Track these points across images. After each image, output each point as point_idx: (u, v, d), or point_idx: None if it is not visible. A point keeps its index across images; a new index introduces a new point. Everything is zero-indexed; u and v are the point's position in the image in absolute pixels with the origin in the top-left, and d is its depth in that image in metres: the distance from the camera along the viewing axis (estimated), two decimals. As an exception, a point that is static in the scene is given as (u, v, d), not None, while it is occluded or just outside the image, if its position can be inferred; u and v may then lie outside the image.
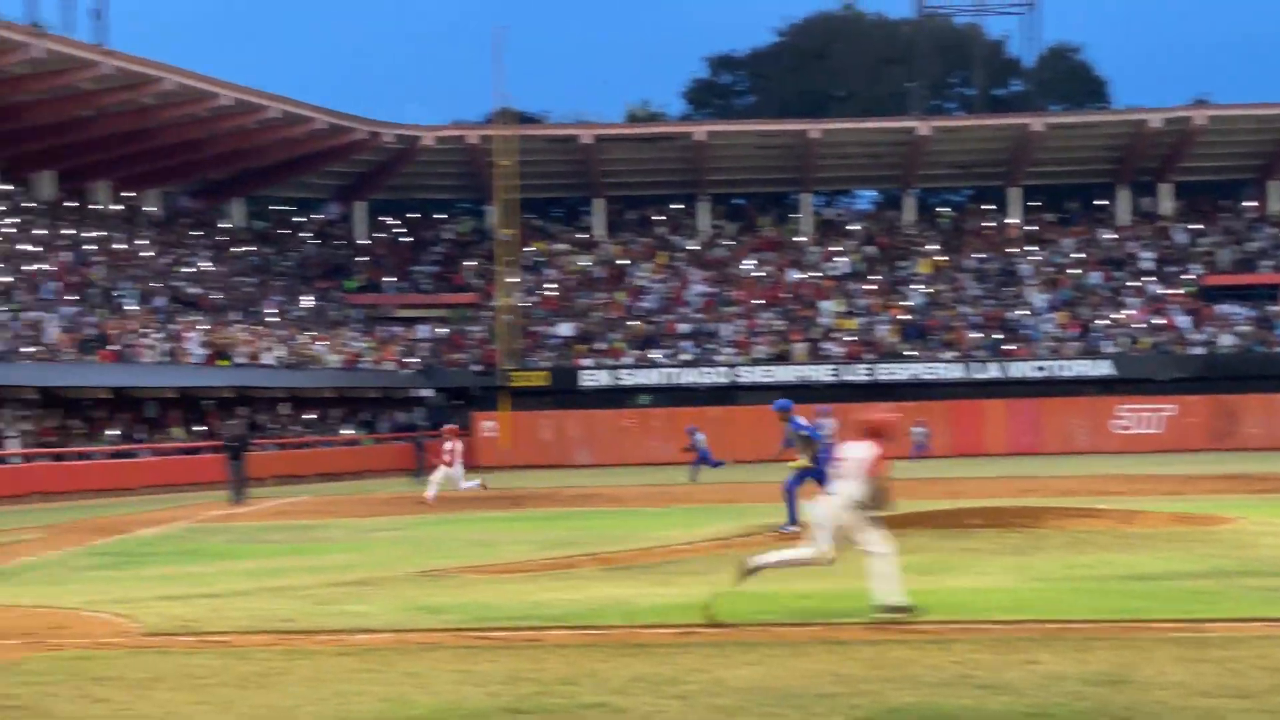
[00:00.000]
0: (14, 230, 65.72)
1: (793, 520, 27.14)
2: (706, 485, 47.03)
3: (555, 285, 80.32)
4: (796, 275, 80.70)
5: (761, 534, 27.52)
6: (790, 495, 27.85)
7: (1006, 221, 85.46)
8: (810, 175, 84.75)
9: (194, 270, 72.87)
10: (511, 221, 73.11)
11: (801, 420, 28.68)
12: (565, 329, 75.61)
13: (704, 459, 51.25)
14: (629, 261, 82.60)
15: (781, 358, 72.80)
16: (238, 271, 76.97)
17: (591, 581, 21.42)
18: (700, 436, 53.06)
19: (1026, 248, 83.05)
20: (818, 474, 26.51)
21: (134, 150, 72.71)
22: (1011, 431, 70.17)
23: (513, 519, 35.23)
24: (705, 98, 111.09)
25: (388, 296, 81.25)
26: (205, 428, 59.16)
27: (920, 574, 19.14)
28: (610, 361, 72.89)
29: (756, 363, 72.21)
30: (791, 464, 28.25)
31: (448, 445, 42.68)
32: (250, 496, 42.68)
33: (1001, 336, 74.34)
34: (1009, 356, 72.56)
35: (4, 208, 68.02)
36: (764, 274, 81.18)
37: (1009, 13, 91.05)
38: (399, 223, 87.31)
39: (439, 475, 42.45)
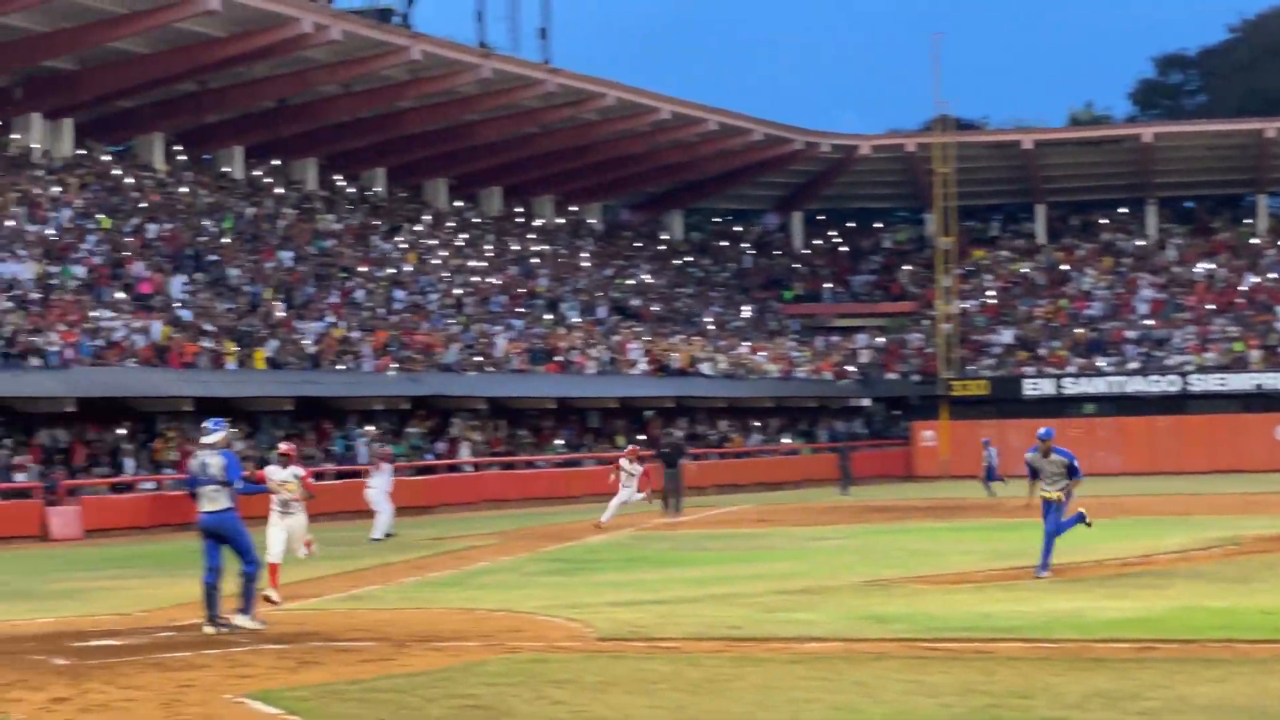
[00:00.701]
0: (464, 245, 68.05)
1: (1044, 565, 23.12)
2: (1158, 496, 45.55)
3: (995, 292, 79.03)
4: (1252, 279, 77.50)
5: (1221, 546, 26.40)
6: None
7: None
8: (1265, 175, 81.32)
9: (634, 282, 74.19)
10: (950, 228, 72.26)
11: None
12: (1005, 336, 74.28)
13: (990, 474, 49.80)
14: (1070, 267, 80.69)
15: (1235, 365, 69.97)
16: (677, 283, 78.06)
17: (1041, 593, 20.89)
18: (992, 450, 51.26)
19: None
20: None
21: (576, 165, 74.53)
22: None
23: (957, 529, 34.73)
24: (1152, 98, 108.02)
25: (825, 306, 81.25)
26: (644, 437, 60.03)
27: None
28: (1053, 370, 71.26)
29: (1208, 370, 69.52)
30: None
31: (626, 465, 39.09)
32: (685, 506, 42.78)
33: None
34: None
35: (454, 223, 70.54)
36: (1217, 278, 78.24)
37: None
38: (836, 232, 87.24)
39: (617, 500, 38.82)
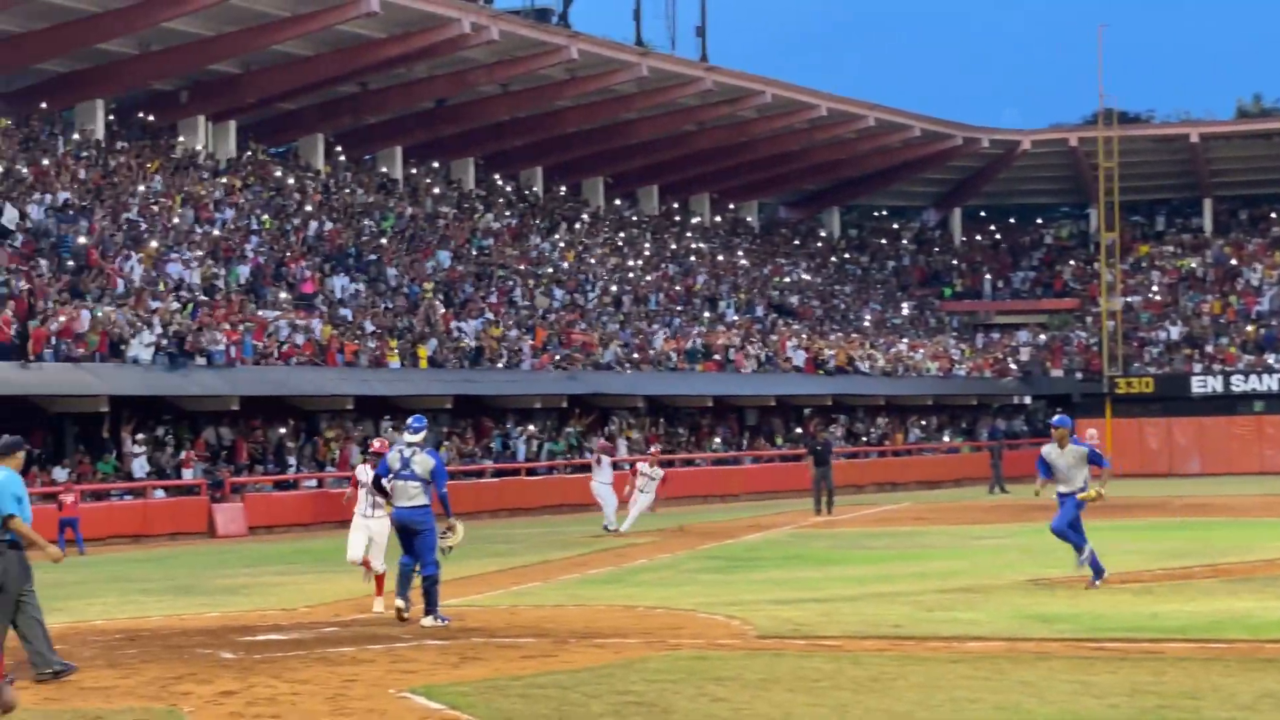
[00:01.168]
0: (621, 243, 68.25)
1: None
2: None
3: (1160, 288, 77.76)
4: None
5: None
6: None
7: None
8: None
9: (792, 280, 73.98)
10: (1114, 224, 71.22)
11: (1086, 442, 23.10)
12: (1172, 333, 73.05)
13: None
14: (1239, 262, 79.17)
15: None
16: (835, 280, 77.74)
17: (1210, 594, 20.48)
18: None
19: None
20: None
21: (733, 163, 74.48)
22: None
23: (1122, 529, 34.15)
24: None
25: (985, 303, 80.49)
26: (801, 435, 59.84)
27: None
28: (1221, 367, 69.96)
29: (1383, 370, 67.85)
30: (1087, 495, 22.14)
31: (645, 470, 37.47)
32: (835, 505, 42.21)
33: None
34: None
35: (611, 222, 70.78)
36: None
37: None
38: (996, 228, 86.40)
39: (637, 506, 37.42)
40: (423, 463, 18.70)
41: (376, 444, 22.33)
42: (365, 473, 20.87)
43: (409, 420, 19.50)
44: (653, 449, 45.08)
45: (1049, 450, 21.80)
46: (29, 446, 16.84)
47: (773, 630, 17.42)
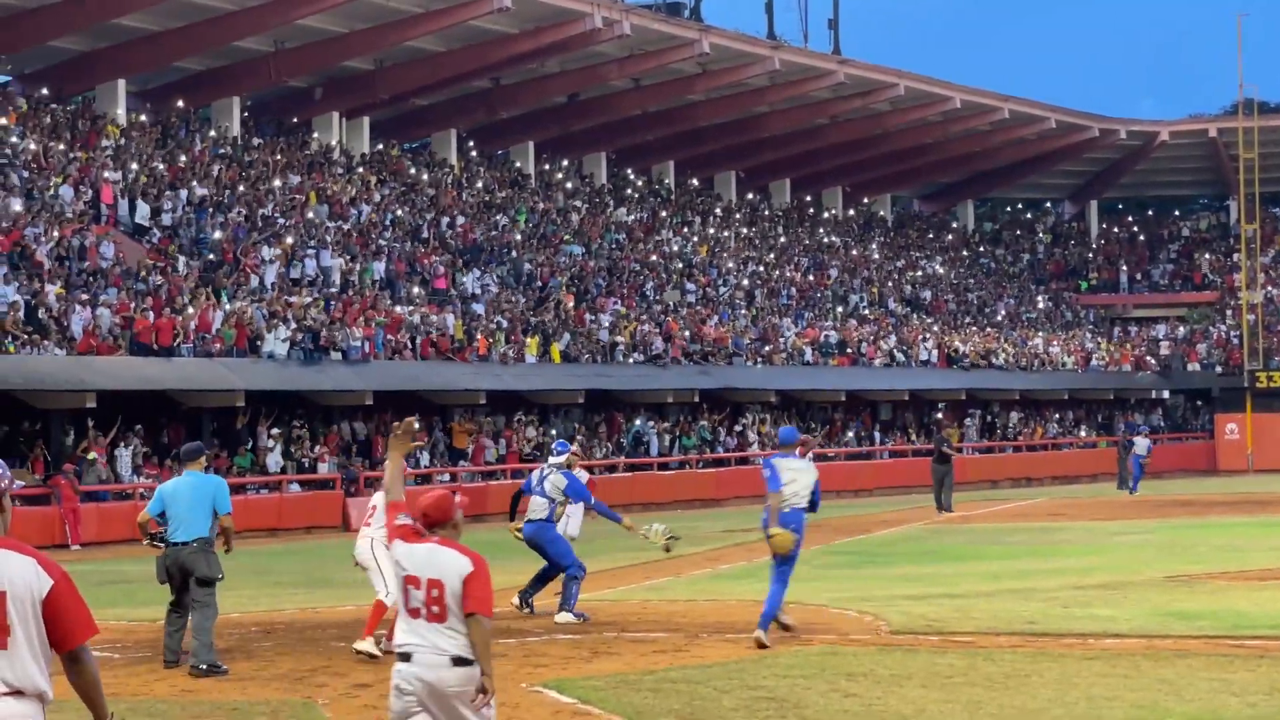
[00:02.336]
0: (753, 237, 68.13)
1: None
2: None
3: (1303, 281, 76.40)
4: None
5: None
6: None
7: None
8: None
9: (925, 273, 73.50)
10: (1254, 215, 70.06)
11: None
12: (1314, 327, 71.78)
13: None
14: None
15: None
16: (968, 274, 77.12)
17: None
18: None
19: None
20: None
21: (866, 156, 74.13)
22: None
23: (1264, 524, 33.61)
24: None
25: (1123, 296, 79.48)
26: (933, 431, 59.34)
27: None
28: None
29: None
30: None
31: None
32: (953, 502, 41.34)
33: None
34: None
35: (743, 216, 70.67)
36: None
37: None
38: (1134, 220, 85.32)
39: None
40: (555, 482, 19.74)
41: None
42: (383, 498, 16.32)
43: (554, 444, 21.21)
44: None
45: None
46: (208, 451, 19.59)
47: (905, 626, 17.31)
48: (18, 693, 6.49)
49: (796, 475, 17.12)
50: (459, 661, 8.46)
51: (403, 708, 8.55)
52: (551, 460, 20.38)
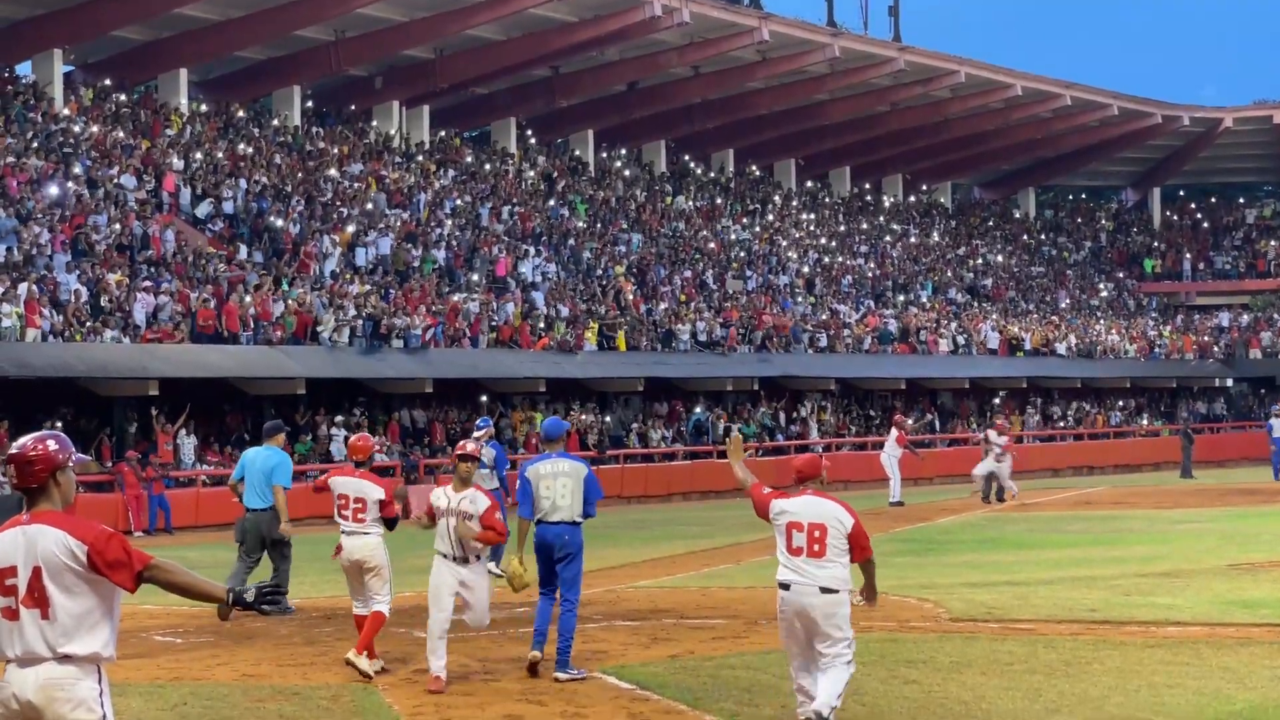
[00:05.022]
0: (813, 225, 67.98)
1: None
2: None
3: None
4: None
5: None
6: None
7: None
8: None
9: (986, 261, 73.19)
10: (1318, 202, 69.49)
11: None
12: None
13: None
14: None
15: None
16: (1030, 261, 76.76)
17: None
18: None
19: None
20: None
21: (926, 144, 73.82)
22: None
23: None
24: None
25: (1186, 284, 78.95)
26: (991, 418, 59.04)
27: None
28: None
29: None
30: None
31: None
32: (1006, 492, 40.71)
33: None
34: None
35: (803, 203, 70.53)
36: None
37: None
38: (1197, 207, 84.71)
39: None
40: (486, 456, 21.17)
41: (471, 445, 14.64)
42: (443, 496, 14.36)
43: (478, 421, 22.82)
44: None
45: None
46: (287, 429, 22.28)
47: (965, 613, 17.26)
48: (66, 658, 6.88)
49: (554, 482, 14.34)
50: (826, 590, 11.13)
51: (785, 625, 11.36)
52: (475, 435, 21.85)
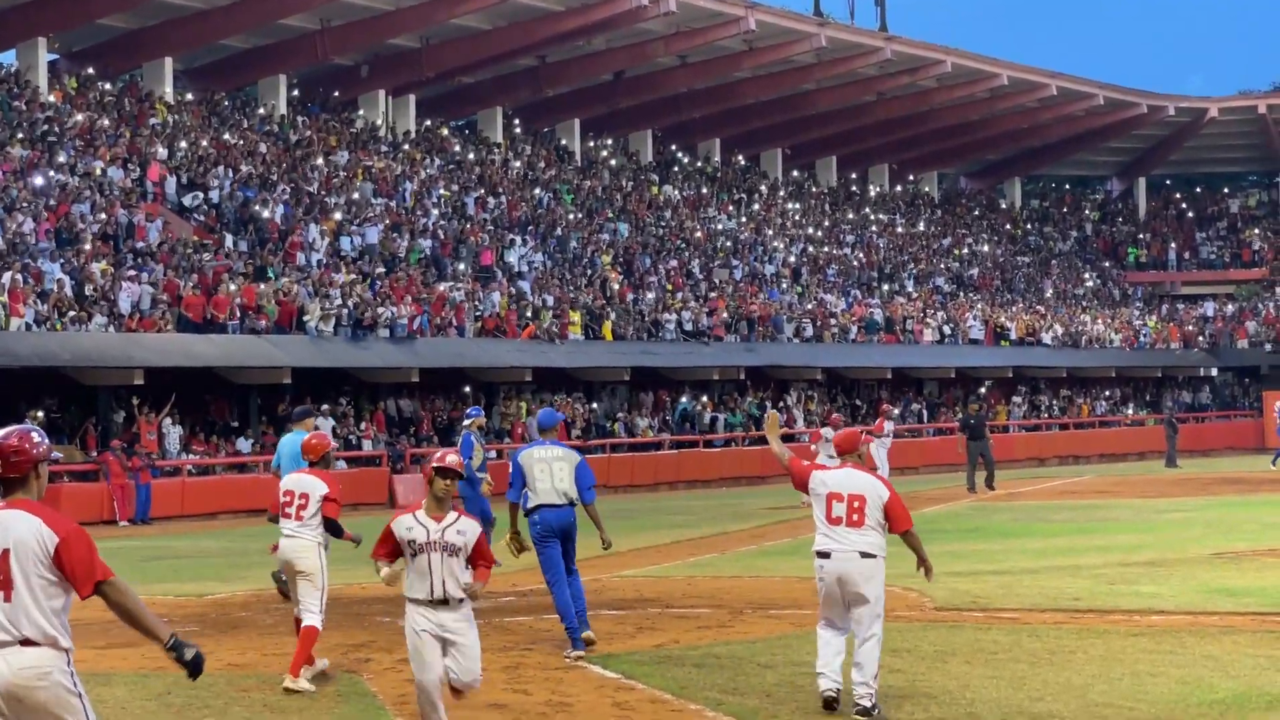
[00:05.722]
0: (799, 214, 68.00)
1: None
2: None
3: (1351, 258, 75.89)
4: None
5: None
6: None
7: None
8: None
9: (972, 251, 73.25)
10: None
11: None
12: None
13: None
14: None
15: None
16: (1016, 251, 76.84)
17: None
18: None
19: None
20: None
21: (912, 133, 73.83)
22: None
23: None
24: None
25: (1171, 274, 79.11)
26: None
27: None
28: None
29: None
30: None
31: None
32: (995, 480, 40.62)
33: None
34: None
35: (789, 193, 70.53)
36: None
37: None
38: (1182, 197, 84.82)
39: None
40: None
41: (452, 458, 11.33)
42: (417, 526, 12.13)
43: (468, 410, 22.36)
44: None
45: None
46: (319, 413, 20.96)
47: (950, 602, 17.29)
48: (27, 641, 7.00)
49: (549, 466, 14.98)
50: (865, 555, 11.83)
51: (825, 590, 12.05)
52: (464, 424, 22.56)
